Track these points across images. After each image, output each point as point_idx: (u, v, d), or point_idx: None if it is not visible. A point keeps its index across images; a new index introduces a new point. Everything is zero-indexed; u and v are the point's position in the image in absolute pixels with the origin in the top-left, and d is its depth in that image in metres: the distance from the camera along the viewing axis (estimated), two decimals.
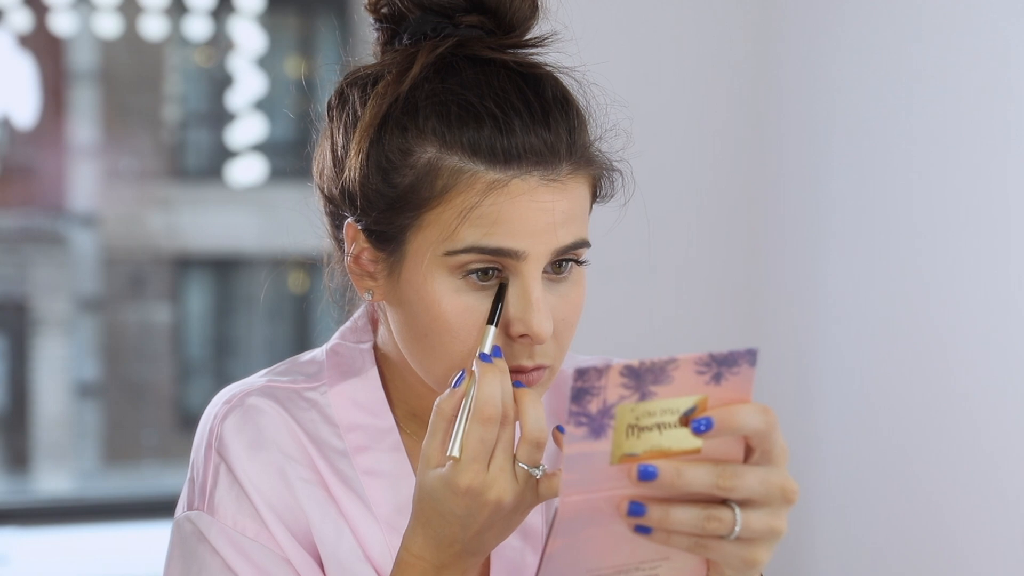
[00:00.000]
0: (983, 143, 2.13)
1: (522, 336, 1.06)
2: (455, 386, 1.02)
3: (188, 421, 8.83)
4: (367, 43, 1.17)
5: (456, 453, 0.99)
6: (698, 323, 2.64)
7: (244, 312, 9.06)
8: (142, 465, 8.45)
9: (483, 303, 1.06)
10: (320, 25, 8.86)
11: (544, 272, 1.07)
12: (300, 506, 1.12)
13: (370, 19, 1.15)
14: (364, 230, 1.10)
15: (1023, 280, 2.06)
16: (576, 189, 1.07)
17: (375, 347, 1.19)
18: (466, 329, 1.06)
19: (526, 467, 1.00)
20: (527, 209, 1.05)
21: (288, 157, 8.82)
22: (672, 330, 2.61)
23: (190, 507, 1.13)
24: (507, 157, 1.05)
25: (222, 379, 9.05)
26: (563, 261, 1.08)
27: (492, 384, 1.00)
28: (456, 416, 1.01)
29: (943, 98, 2.21)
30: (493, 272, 1.06)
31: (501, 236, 1.05)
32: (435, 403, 1.02)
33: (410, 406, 1.16)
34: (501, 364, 1.02)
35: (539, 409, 1.01)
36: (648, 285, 2.54)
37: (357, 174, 1.09)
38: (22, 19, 6.49)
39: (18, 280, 8.19)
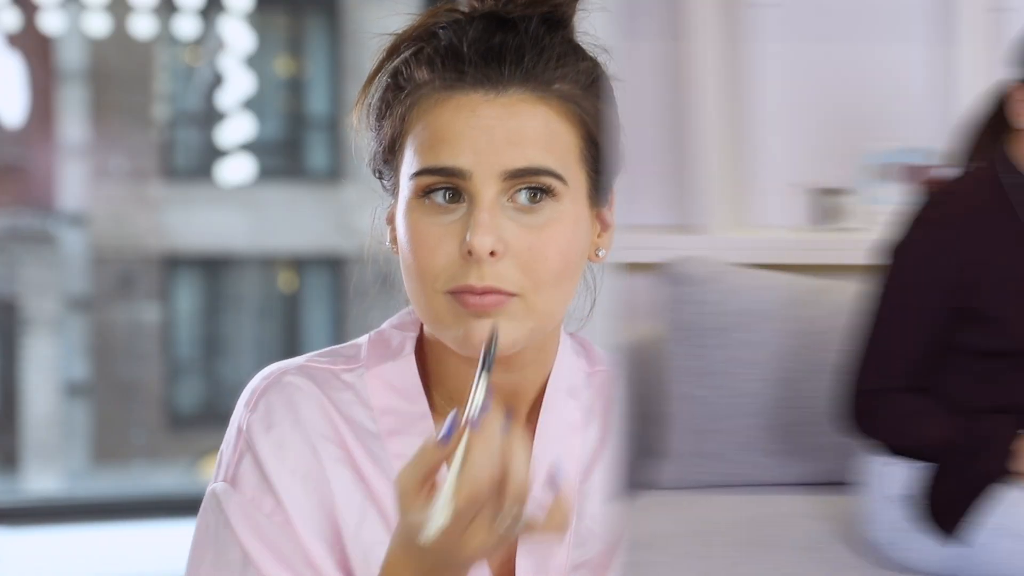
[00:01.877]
0: None
1: (470, 254, 1.05)
2: (443, 438, 0.97)
3: (177, 421, 8.81)
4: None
5: (443, 522, 0.95)
6: None
7: (233, 311, 9.06)
8: (131, 465, 8.45)
9: (453, 223, 1.06)
10: (309, 24, 8.86)
11: (512, 201, 1.06)
12: (327, 486, 1.12)
13: None
14: (385, 185, 1.13)
15: None
16: (533, 116, 1.07)
17: (421, 330, 1.17)
18: (437, 243, 1.06)
19: (505, 524, 0.96)
20: (465, 125, 1.06)
21: (277, 156, 8.82)
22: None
23: (215, 479, 1.14)
24: (457, 76, 1.06)
25: (212, 379, 9.03)
26: (531, 190, 1.07)
27: (482, 457, 0.96)
28: (435, 474, 0.97)
29: None
30: (457, 195, 1.06)
31: (447, 155, 1.06)
32: (421, 445, 0.98)
33: (448, 388, 1.14)
34: (492, 421, 0.97)
35: (524, 465, 0.96)
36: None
37: (366, 128, 1.12)
38: (11, 18, 6.49)
39: (7, 279, 8.18)
